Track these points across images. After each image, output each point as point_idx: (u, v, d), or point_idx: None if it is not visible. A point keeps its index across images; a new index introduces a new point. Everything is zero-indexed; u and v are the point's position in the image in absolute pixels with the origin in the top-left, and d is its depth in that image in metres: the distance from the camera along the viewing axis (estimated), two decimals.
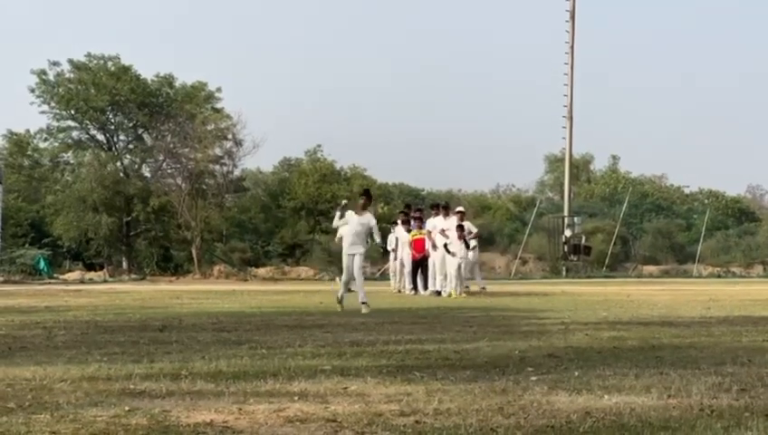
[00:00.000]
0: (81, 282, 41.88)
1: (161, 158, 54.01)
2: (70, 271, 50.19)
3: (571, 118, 49.49)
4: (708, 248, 56.12)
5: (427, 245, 24.30)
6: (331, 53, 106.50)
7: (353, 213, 17.30)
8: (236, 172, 54.14)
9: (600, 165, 79.09)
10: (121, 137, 55.09)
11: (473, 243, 24.33)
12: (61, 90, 52.36)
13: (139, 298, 22.15)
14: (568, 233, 47.48)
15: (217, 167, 52.06)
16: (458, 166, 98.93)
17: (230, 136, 51.26)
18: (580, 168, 73.12)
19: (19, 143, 54.67)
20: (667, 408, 5.95)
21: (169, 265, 52.66)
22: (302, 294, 24.42)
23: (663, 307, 17.34)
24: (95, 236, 50.52)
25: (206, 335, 11.17)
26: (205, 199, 50.37)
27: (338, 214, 17.66)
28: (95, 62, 53.03)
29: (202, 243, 50.57)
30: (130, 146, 55.29)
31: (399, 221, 26.49)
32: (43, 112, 53.04)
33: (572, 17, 49.13)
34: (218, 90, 54.09)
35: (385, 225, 27.42)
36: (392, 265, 27.34)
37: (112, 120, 54.34)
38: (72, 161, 55.01)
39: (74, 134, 54.31)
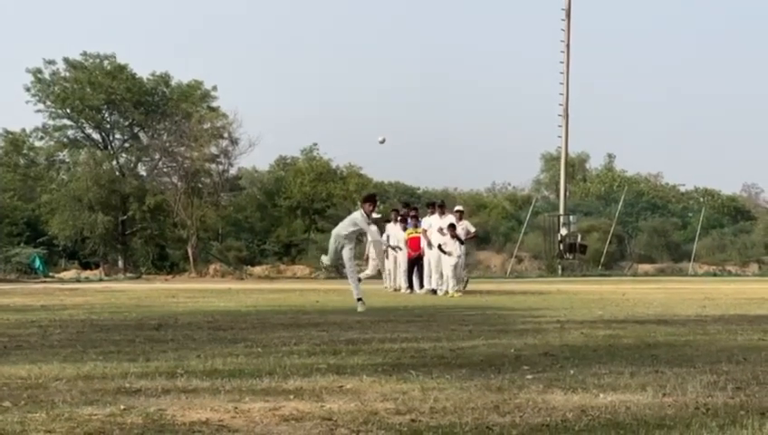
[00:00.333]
0: (77, 281, 41.87)
1: (157, 156, 54.01)
2: (65, 270, 50.21)
3: (566, 116, 49.50)
4: (704, 247, 56.18)
5: (423, 243, 24.30)
6: (328, 53, 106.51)
7: (363, 222, 17.02)
8: (232, 171, 54.21)
9: (595, 163, 79.21)
10: (117, 136, 55.11)
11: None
12: (56, 88, 52.35)
13: (134, 297, 22.14)
14: (564, 231, 47.50)
15: (213, 165, 52.08)
16: (454, 164, 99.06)
17: (226, 135, 51.30)
18: (575, 166, 73.14)
19: (15, 142, 54.68)
20: (663, 406, 5.95)
21: (165, 264, 52.66)
22: (297, 292, 24.42)
23: (658, 306, 17.36)
24: (91, 234, 50.52)
25: (202, 334, 11.17)
26: (200, 198, 50.38)
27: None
28: (91, 60, 53.02)
29: (198, 242, 50.58)
30: (126, 145, 55.28)
31: (392, 220, 26.44)
32: (38, 111, 53.08)
33: (568, 15, 49.15)
34: (214, 88, 54.13)
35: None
36: (387, 264, 27.32)
37: (108, 119, 54.33)
38: (67, 160, 55.00)
39: (70, 133, 54.33)
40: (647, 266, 53.98)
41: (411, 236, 25.11)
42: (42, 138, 54.41)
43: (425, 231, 24.19)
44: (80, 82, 52.15)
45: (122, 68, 52.99)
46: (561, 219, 48.41)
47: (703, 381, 6.95)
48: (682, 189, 74.37)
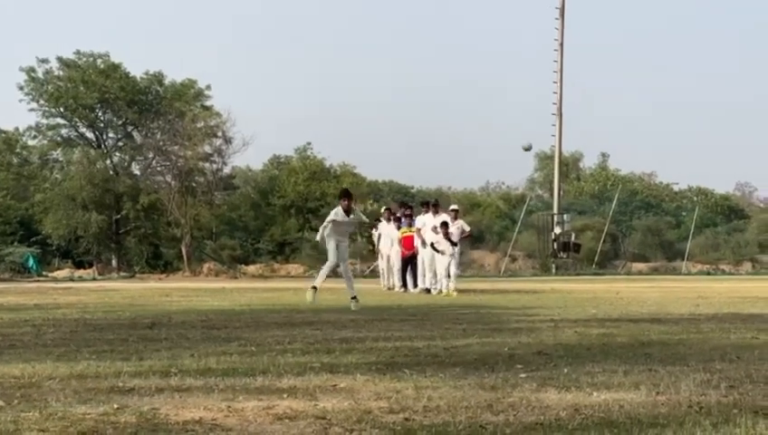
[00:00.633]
0: (71, 280, 41.80)
1: (151, 155, 53.96)
2: (59, 269, 50.15)
3: (560, 115, 49.52)
4: (697, 246, 56.23)
5: (416, 242, 24.30)
6: (321, 52, 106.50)
7: (341, 215, 16.92)
8: (226, 170, 54.18)
9: (589, 162, 79.30)
10: (111, 134, 55.05)
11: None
12: (50, 87, 52.26)
13: (128, 296, 22.12)
14: (557, 230, 47.51)
15: (207, 164, 52.05)
16: (448, 163, 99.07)
17: (220, 133, 51.27)
18: (569, 165, 73.22)
19: (8, 141, 54.58)
20: (656, 404, 5.96)
21: (159, 263, 52.64)
22: (291, 291, 24.39)
23: (652, 304, 17.37)
24: (84, 233, 50.44)
25: (196, 333, 11.16)
26: (194, 197, 50.34)
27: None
28: (84, 59, 52.94)
29: (191, 240, 50.56)
30: (120, 144, 55.22)
31: (385, 218, 26.45)
32: (32, 110, 53.00)
33: (562, 14, 49.16)
34: (208, 87, 54.08)
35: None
36: (381, 262, 27.35)
37: (102, 118, 54.26)
38: (61, 159, 54.91)
39: (63, 132, 54.24)
40: (640, 265, 54.02)
41: (405, 235, 25.11)
42: (35, 137, 54.34)
43: (418, 230, 24.19)
44: (73, 81, 52.07)
45: (116, 67, 52.92)
46: (555, 218, 48.42)
47: (696, 379, 6.96)
48: (675, 188, 74.49)
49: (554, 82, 49.40)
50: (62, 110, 52.75)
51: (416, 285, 24.50)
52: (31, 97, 52.44)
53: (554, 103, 49.47)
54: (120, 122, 54.44)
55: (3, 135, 54.47)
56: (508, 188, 75.46)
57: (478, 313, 15.21)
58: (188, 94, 53.62)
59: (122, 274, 47.37)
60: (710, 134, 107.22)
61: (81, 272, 49.02)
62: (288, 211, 57.90)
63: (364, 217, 17.88)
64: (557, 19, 49.29)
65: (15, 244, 49.26)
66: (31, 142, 54.98)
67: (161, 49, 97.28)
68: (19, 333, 11.27)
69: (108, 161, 53.45)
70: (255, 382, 6.88)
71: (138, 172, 55.14)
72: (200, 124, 51.33)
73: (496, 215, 62.38)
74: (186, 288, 27.72)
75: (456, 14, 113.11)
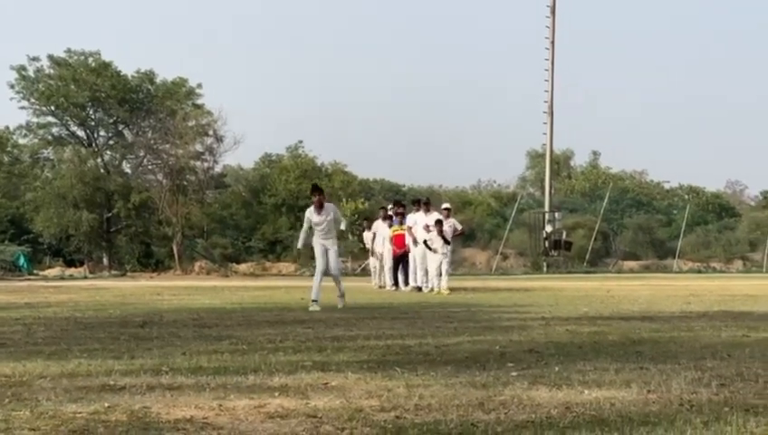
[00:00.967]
0: (62, 278, 41.75)
1: (142, 154, 53.91)
2: (50, 267, 50.09)
3: (551, 113, 49.56)
4: (688, 244, 56.31)
5: (408, 240, 24.29)
6: (313, 50, 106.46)
7: (313, 213, 16.42)
8: (217, 168, 54.15)
9: (580, 161, 79.35)
10: (102, 133, 54.97)
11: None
12: (41, 86, 52.16)
13: (119, 294, 22.09)
14: (549, 228, 47.56)
15: (198, 163, 52.01)
16: (439, 161, 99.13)
17: (211, 132, 51.23)
18: (560, 163, 73.25)
19: None
20: (647, 402, 5.97)
21: (150, 262, 52.57)
22: (282, 289, 24.40)
23: (643, 302, 17.39)
24: (75, 232, 50.36)
25: (187, 331, 11.15)
26: (185, 195, 50.29)
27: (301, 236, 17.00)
28: (75, 57, 52.84)
29: (183, 239, 50.51)
30: (111, 142, 55.14)
31: (381, 217, 26.46)
32: (22, 108, 52.88)
33: (553, 13, 49.19)
34: (199, 86, 54.02)
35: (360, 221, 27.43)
36: (372, 261, 27.36)
37: (92, 116, 54.17)
38: (52, 157, 54.82)
39: (54, 130, 54.15)
40: (631, 263, 54.09)
41: (396, 233, 25.10)
42: (26, 135, 54.27)
43: (409, 228, 24.18)
44: (64, 80, 51.98)
45: (107, 65, 52.84)
46: (547, 216, 48.47)
47: (687, 377, 6.97)
48: (667, 186, 74.59)
49: (546, 81, 49.49)
50: (52, 108, 52.66)
51: (407, 284, 24.50)
52: (22, 95, 52.35)
53: (545, 102, 49.53)
54: (111, 121, 54.36)
55: None
56: (499, 187, 75.54)
57: (469, 311, 15.21)
58: (180, 93, 53.55)
59: (113, 272, 47.30)
60: (701, 132, 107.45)
61: (71, 270, 48.97)
62: (279, 210, 57.87)
63: (342, 222, 17.03)
64: (548, 17, 49.36)
65: (6, 242, 49.18)
66: (22, 141, 54.94)
67: (152, 47, 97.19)
68: (10, 332, 11.25)
69: (99, 160, 53.36)
70: (247, 381, 6.87)
71: (129, 171, 55.08)
72: (191, 123, 51.29)
73: (488, 213, 62.39)
74: (177, 287, 27.69)
75: (446, 13, 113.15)
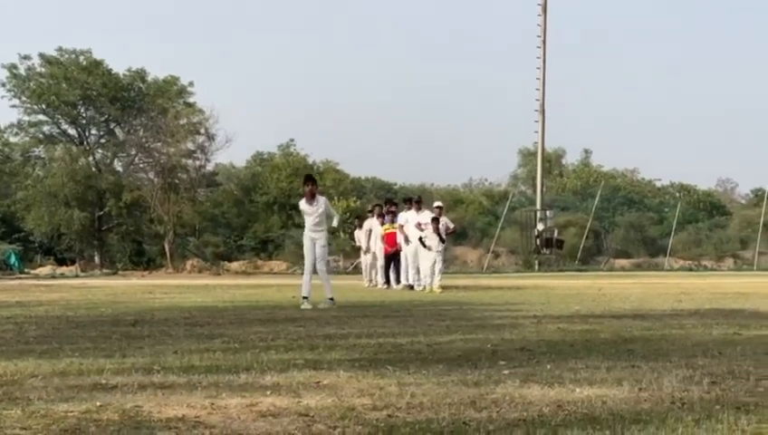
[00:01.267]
0: (53, 277, 41.70)
1: (133, 152, 53.87)
2: (41, 266, 50.04)
3: (543, 112, 49.58)
4: (680, 242, 56.41)
5: (399, 239, 24.28)
6: (304, 49, 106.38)
7: (304, 203, 16.44)
8: (209, 167, 54.16)
9: (572, 159, 79.42)
10: (93, 131, 54.91)
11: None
12: (32, 84, 52.10)
13: (111, 293, 22.07)
14: (540, 227, 47.58)
15: (190, 161, 51.99)
16: (431, 160, 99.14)
17: (202, 130, 51.22)
18: (552, 161, 73.30)
19: None
20: (639, 401, 5.97)
21: (142, 260, 52.54)
22: (274, 288, 24.38)
23: (635, 300, 17.41)
24: (67, 230, 50.30)
25: (179, 330, 11.14)
26: (177, 194, 50.25)
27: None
28: (66, 56, 52.79)
29: (175, 237, 50.48)
30: (102, 140, 55.09)
31: (375, 215, 26.43)
32: (13, 106, 52.82)
33: (544, 11, 49.21)
34: (191, 84, 54.01)
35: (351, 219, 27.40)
36: (363, 259, 27.35)
37: (84, 115, 54.11)
38: (43, 156, 54.77)
39: (45, 129, 54.09)
40: (623, 261, 54.17)
41: (388, 231, 25.10)
42: (17, 133, 54.20)
43: (401, 226, 24.17)
44: (55, 78, 51.91)
45: (98, 63, 52.78)
46: (538, 214, 48.49)
47: (678, 375, 6.97)
48: (658, 184, 74.73)
49: (537, 79, 49.51)
50: (44, 106, 52.59)
51: (399, 282, 24.50)
52: (13, 94, 52.28)
53: (537, 100, 49.56)
54: (103, 119, 54.29)
55: None
56: (491, 185, 75.59)
57: (461, 309, 15.22)
58: (171, 91, 53.51)
59: (105, 271, 47.26)
60: (692, 130, 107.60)
61: (63, 269, 48.91)
62: (271, 208, 57.88)
63: (335, 217, 16.78)
64: (539, 15, 49.36)
65: None
66: (13, 139, 54.85)
67: (144, 46, 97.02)
68: (1, 331, 11.23)
69: (90, 158, 53.31)
70: (239, 379, 6.86)
71: (120, 169, 55.03)
72: (183, 121, 51.25)
73: (479, 211, 62.42)
74: (169, 285, 27.66)
75: (438, 11, 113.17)
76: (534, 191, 54.25)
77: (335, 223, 16.86)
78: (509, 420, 5.35)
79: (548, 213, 49.01)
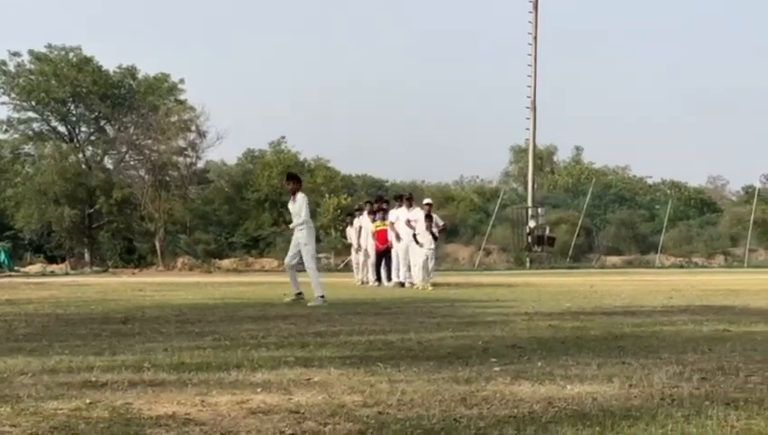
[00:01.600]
0: (43, 274, 41.63)
1: (124, 149, 53.79)
2: (31, 263, 49.96)
3: (534, 109, 49.60)
4: (671, 239, 56.53)
5: (390, 236, 24.27)
6: (296, 45, 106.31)
7: (289, 202, 16.67)
8: (200, 164, 54.15)
9: (563, 156, 79.50)
10: (83, 128, 54.84)
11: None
12: (21, 81, 52.00)
13: (101, 290, 22.03)
14: (532, 224, 47.62)
15: (181, 158, 51.92)
16: (422, 157, 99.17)
17: (193, 127, 51.20)
18: (543, 159, 73.37)
19: None
20: (629, 397, 5.98)
21: (133, 258, 52.49)
22: (265, 285, 24.36)
23: (626, 297, 17.43)
24: (57, 228, 50.21)
25: (169, 327, 11.12)
26: (168, 191, 50.21)
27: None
28: (56, 53, 52.69)
29: (165, 235, 50.43)
30: (92, 138, 55.01)
31: (366, 212, 26.41)
32: (2, 104, 52.80)
33: (536, 8, 49.23)
34: (181, 81, 53.97)
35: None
36: (354, 257, 27.34)
37: (74, 112, 54.02)
38: (32, 153, 54.66)
39: (35, 126, 54.01)
40: (614, 258, 54.26)
41: (379, 228, 25.09)
42: (6, 130, 54.11)
43: (392, 224, 24.17)
44: (45, 75, 51.81)
45: (88, 60, 52.68)
46: (530, 212, 48.52)
47: (669, 371, 6.98)
48: (649, 182, 74.82)
49: (528, 76, 49.52)
50: (33, 103, 52.49)
51: (390, 279, 24.50)
52: (2, 90, 52.21)
53: (528, 97, 49.59)
54: (93, 116, 54.20)
55: None
56: (482, 182, 75.65)
57: (452, 306, 15.22)
58: (162, 88, 53.46)
59: (95, 268, 47.20)
60: (683, 128, 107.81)
61: (53, 266, 48.83)
62: (262, 205, 57.85)
63: (298, 215, 16.47)
64: (531, 12, 49.37)
65: None
66: (2, 136, 54.77)
67: (134, 43, 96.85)
68: None
69: (80, 155, 53.22)
70: (229, 377, 6.86)
71: (111, 166, 54.95)
72: (174, 118, 51.19)
73: (470, 208, 62.46)
74: (159, 283, 27.63)
75: (427, 7, 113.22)
76: (526, 188, 54.30)
77: (296, 221, 16.61)
78: (499, 417, 5.35)
79: (539, 210, 49.06)
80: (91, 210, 51.89)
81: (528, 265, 48.61)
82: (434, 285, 22.36)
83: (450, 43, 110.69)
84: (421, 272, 22.63)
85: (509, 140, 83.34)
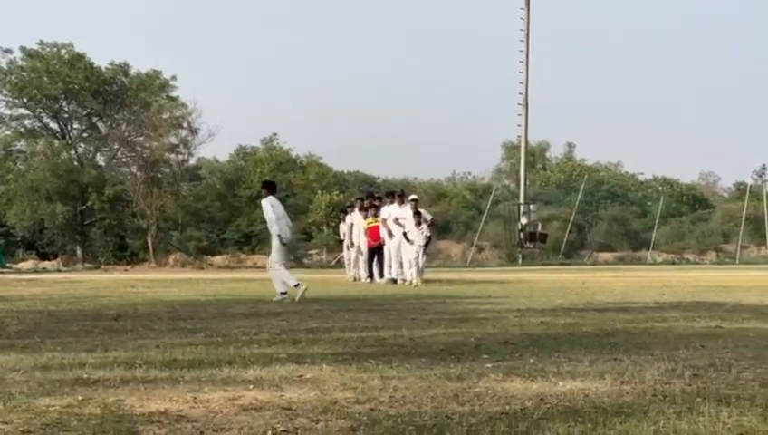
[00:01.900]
0: (35, 271, 41.56)
1: (116, 146, 53.71)
2: (23, 260, 49.85)
3: (526, 105, 49.59)
4: (662, 235, 56.61)
5: (383, 233, 24.26)
6: (289, 42, 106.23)
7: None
8: (192, 161, 54.09)
9: (555, 152, 79.55)
10: (75, 125, 54.73)
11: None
12: (13, 77, 51.87)
13: (93, 287, 22.00)
14: (524, 220, 47.64)
15: (173, 155, 51.87)
16: (414, 154, 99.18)
17: (185, 124, 51.12)
18: (535, 155, 73.40)
19: None
20: (621, 393, 5.99)
21: (125, 254, 52.41)
22: (257, 282, 24.34)
23: (618, 294, 17.46)
24: (49, 225, 50.14)
25: (161, 324, 11.12)
26: (160, 188, 50.16)
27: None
28: (48, 49, 52.58)
29: (157, 232, 50.38)
30: (84, 134, 54.91)
31: (357, 208, 26.38)
32: None
33: (528, 4, 49.23)
34: (173, 78, 53.87)
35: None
36: (346, 253, 27.32)
37: (66, 109, 53.92)
38: (24, 150, 54.54)
39: (27, 122, 53.90)
40: (606, 255, 54.31)
41: (371, 225, 25.09)
42: None
43: (384, 220, 24.16)
44: (37, 71, 51.70)
45: (80, 57, 52.58)
46: (522, 208, 48.52)
47: (661, 368, 7.00)
48: (641, 178, 74.91)
49: (520, 72, 49.49)
50: (25, 100, 52.38)
51: (382, 276, 24.50)
52: None
53: (520, 93, 49.56)
54: (85, 113, 54.11)
55: None
56: (474, 178, 75.64)
57: (444, 303, 15.22)
58: (154, 85, 53.37)
59: (87, 265, 47.13)
60: (675, 124, 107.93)
61: (45, 263, 48.74)
62: (254, 202, 57.68)
63: (266, 215, 16.81)
64: (522, 9, 49.37)
65: None
66: None
67: (126, 39, 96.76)
68: None
69: (72, 152, 53.13)
70: (221, 374, 6.86)
71: (103, 163, 54.87)
72: (166, 115, 51.12)
73: (462, 205, 62.47)
74: (151, 279, 27.61)
75: (421, 5, 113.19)
76: (518, 185, 54.30)
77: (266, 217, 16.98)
78: (491, 414, 5.35)
79: (531, 207, 49.06)
80: (83, 207, 51.82)
81: (520, 261, 48.64)
82: (426, 281, 22.37)
83: (441, 40, 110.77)
84: (415, 267, 22.64)
85: (501, 136, 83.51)
